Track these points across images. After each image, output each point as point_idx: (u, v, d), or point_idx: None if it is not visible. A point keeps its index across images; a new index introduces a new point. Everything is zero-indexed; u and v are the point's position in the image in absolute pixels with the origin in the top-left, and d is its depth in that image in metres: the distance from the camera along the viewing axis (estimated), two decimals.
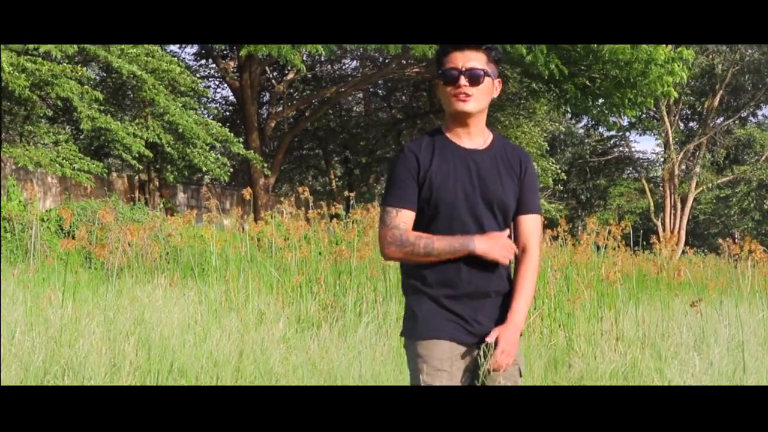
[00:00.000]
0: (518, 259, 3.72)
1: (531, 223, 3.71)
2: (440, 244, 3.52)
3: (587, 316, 8.95)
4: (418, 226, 3.60)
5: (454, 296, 3.56)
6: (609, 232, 10.42)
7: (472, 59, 3.57)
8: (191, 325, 7.54)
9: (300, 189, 11.65)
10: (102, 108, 20.48)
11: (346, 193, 14.67)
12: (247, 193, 11.94)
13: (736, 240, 48.96)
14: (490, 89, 3.64)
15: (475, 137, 3.67)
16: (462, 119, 3.64)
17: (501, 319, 3.60)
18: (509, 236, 3.66)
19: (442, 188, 3.57)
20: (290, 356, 6.99)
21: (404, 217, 3.59)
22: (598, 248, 11.15)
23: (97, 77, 23.09)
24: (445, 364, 3.51)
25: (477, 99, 3.59)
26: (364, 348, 7.38)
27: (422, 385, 3.48)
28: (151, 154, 21.87)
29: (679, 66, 22.89)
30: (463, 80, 3.55)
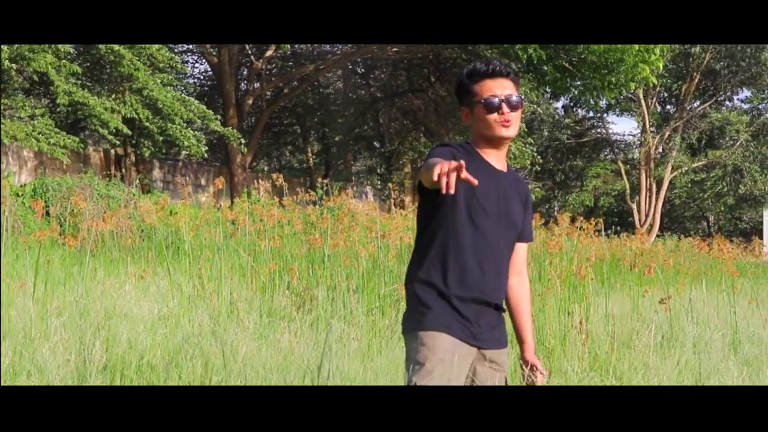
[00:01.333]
0: (515, 285, 3.99)
1: (524, 251, 4.03)
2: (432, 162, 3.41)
3: (557, 311, 8.99)
4: (442, 226, 3.77)
5: (463, 298, 3.72)
6: (580, 228, 10.43)
7: (507, 87, 3.77)
8: (162, 317, 7.53)
9: (274, 176, 11.63)
10: (79, 82, 20.35)
11: (320, 180, 14.60)
12: (219, 182, 11.88)
13: (711, 224, 49.17)
14: (520, 114, 3.86)
15: (502, 160, 3.89)
16: (499, 143, 3.84)
17: (497, 327, 3.87)
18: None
19: (478, 201, 3.73)
20: (261, 350, 7.00)
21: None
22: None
23: (75, 51, 22.88)
24: (447, 356, 3.65)
25: (515, 124, 3.80)
26: (333, 343, 7.39)
27: (424, 373, 3.63)
28: (129, 131, 21.77)
29: (655, 56, 23.05)
30: (505, 107, 3.73)
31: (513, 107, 3.74)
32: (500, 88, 3.75)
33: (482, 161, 3.80)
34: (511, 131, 3.77)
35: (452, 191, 3.21)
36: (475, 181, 3.27)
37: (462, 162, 3.20)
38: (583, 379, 7.11)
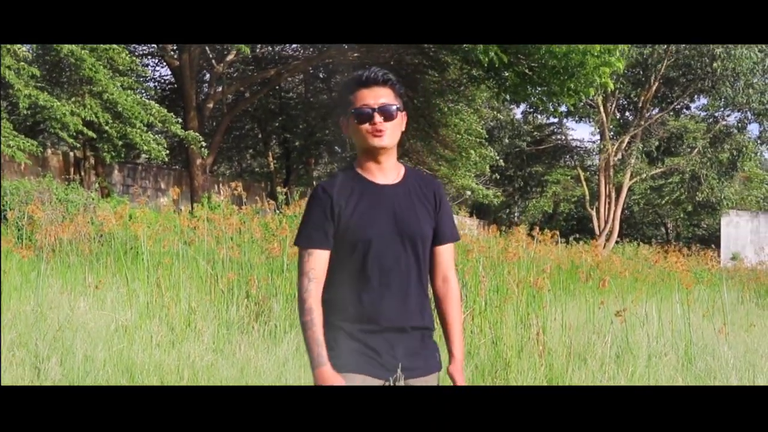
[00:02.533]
0: (441, 291, 3.81)
1: (448, 253, 3.81)
2: (309, 335, 3.54)
3: (515, 323, 9.04)
4: (335, 263, 3.63)
5: (370, 331, 3.58)
6: (536, 240, 10.49)
7: (383, 95, 3.64)
8: (118, 328, 7.51)
9: (233, 185, 11.61)
10: (38, 85, 20.18)
11: (279, 189, 14.57)
12: (174, 192, 11.83)
13: (669, 230, 49.52)
14: (400, 123, 3.71)
15: (388, 172, 3.72)
16: (376, 155, 3.67)
17: (420, 353, 3.67)
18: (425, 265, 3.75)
19: (358, 228, 3.61)
20: (217, 362, 7.01)
21: (316, 260, 3.61)
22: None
23: (33, 53, 22.69)
24: None
25: (391, 134, 3.64)
26: (291, 355, 7.41)
27: None
28: (93, 134, 21.60)
29: (615, 57, 23.21)
30: (377, 117, 3.60)
31: (387, 116, 3.62)
32: (374, 98, 3.63)
33: (362, 182, 3.69)
34: (385, 141, 3.63)
35: None
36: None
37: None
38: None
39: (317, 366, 3.50)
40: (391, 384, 3.56)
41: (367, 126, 3.61)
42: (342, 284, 3.62)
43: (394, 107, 3.64)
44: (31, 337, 6.65)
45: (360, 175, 3.70)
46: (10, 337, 6.54)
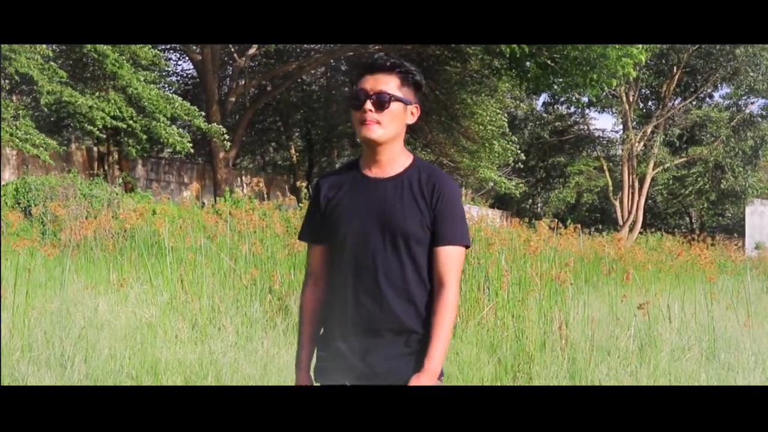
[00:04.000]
0: (433, 295, 3.41)
1: (446, 256, 3.40)
2: (301, 338, 3.61)
3: (537, 317, 9.04)
4: (331, 256, 3.50)
5: (342, 336, 3.40)
6: (555, 231, 10.48)
7: (382, 82, 3.37)
8: (141, 326, 7.54)
9: (254, 180, 11.63)
10: (62, 81, 20.27)
11: (300, 183, 14.54)
12: (194, 189, 11.88)
13: (693, 220, 49.29)
14: (400, 116, 3.42)
15: (387, 166, 3.45)
16: (371, 147, 3.43)
17: (400, 358, 3.37)
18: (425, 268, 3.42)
19: (342, 221, 3.43)
20: (240, 359, 7.04)
21: (311, 254, 3.60)
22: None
23: (57, 49, 22.79)
24: None
25: (385, 126, 3.37)
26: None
27: None
28: (121, 124, 21.70)
29: (637, 49, 23.13)
30: (368, 104, 3.35)
31: (378, 105, 3.35)
32: (373, 84, 3.37)
33: (356, 175, 3.49)
34: (375, 133, 3.37)
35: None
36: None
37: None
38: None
39: (295, 370, 3.60)
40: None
41: (358, 114, 3.39)
42: (331, 283, 3.50)
43: (388, 97, 3.36)
44: (56, 335, 6.70)
45: (357, 168, 3.51)
46: (36, 335, 6.59)
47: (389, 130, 3.39)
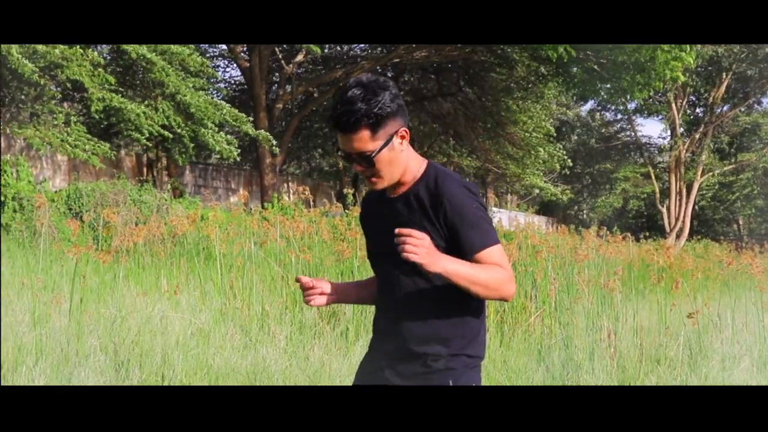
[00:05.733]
0: None
1: (487, 260, 3.24)
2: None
3: (585, 325, 9.03)
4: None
5: (375, 350, 3.48)
6: (603, 237, 10.45)
7: (356, 141, 3.21)
8: (193, 333, 7.63)
9: (301, 188, 11.71)
10: (112, 88, 20.48)
11: (346, 189, 14.60)
12: (242, 197, 11.99)
13: (741, 227, 48.72)
14: (392, 157, 3.28)
15: (402, 186, 3.37)
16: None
17: (413, 377, 3.34)
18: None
19: (370, 241, 3.53)
20: (291, 366, 7.10)
21: None
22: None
23: (107, 57, 23.03)
24: None
25: (385, 173, 3.28)
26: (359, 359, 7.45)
27: None
28: (169, 134, 21.91)
29: (686, 52, 22.99)
30: (359, 167, 3.28)
31: (366, 164, 3.25)
32: (348, 145, 3.24)
33: (383, 194, 3.43)
34: (381, 184, 3.32)
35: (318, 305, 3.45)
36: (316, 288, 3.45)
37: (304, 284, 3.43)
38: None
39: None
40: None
41: (359, 168, 3.30)
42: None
43: (369, 154, 3.22)
44: (111, 341, 6.80)
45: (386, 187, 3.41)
46: (91, 342, 6.68)
47: (391, 173, 3.31)
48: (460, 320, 3.34)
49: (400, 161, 3.30)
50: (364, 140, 3.21)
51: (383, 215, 3.39)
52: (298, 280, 3.46)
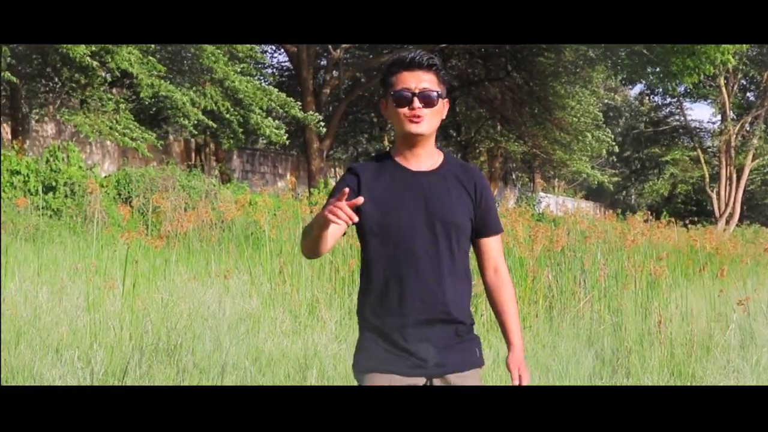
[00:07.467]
0: (493, 282, 3.62)
1: (496, 244, 3.63)
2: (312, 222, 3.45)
3: (634, 310, 8.99)
4: (367, 249, 3.50)
5: (399, 325, 3.40)
6: (653, 218, 10.39)
7: (424, 80, 3.46)
8: (243, 318, 7.69)
9: None
10: (160, 74, 20.62)
11: None
12: (290, 182, 12.03)
13: None
14: (441, 110, 3.53)
15: (424, 159, 3.53)
16: (413, 141, 3.50)
17: (454, 348, 3.44)
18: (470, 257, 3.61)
19: (389, 213, 3.44)
20: (341, 351, 7.14)
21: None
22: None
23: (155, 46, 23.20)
24: None
25: (429, 121, 3.47)
26: None
27: None
28: (213, 124, 22.05)
29: None
30: (417, 102, 3.43)
31: (426, 102, 3.44)
32: (415, 81, 3.44)
33: (396, 167, 3.53)
34: (422, 128, 3.45)
35: (343, 222, 3.10)
36: (359, 200, 3.15)
37: (344, 192, 3.11)
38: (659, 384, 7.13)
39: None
40: (425, 382, 3.38)
41: (405, 110, 3.45)
42: (373, 273, 3.48)
43: (435, 93, 3.46)
44: (164, 325, 6.87)
45: (395, 160, 3.55)
46: (143, 326, 6.77)
47: (433, 125, 3.50)
48: (467, 291, 3.58)
49: (439, 120, 3.55)
50: (432, 81, 3.47)
51: (410, 187, 3.47)
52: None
